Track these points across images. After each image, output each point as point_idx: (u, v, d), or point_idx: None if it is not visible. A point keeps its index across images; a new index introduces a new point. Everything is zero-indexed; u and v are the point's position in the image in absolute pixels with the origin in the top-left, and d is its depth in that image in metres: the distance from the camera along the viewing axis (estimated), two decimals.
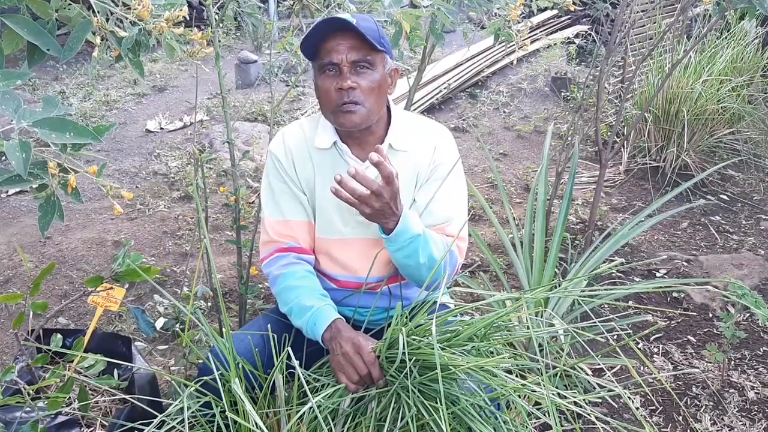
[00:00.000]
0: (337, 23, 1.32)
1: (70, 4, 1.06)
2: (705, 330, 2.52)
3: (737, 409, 2.10)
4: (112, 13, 1.07)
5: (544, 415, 1.17)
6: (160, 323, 2.51)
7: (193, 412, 1.30)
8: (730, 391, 2.18)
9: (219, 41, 1.83)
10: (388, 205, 1.27)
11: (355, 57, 1.34)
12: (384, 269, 1.48)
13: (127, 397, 1.48)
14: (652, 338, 2.46)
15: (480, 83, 5.67)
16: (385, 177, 1.24)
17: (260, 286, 2.69)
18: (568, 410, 1.21)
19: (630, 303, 2.60)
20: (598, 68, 2.70)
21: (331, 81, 1.36)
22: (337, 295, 1.49)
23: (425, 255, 1.34)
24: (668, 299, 2.72)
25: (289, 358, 1.26)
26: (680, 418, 2.07)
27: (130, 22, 1.09)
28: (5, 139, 0.92)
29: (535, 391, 1.19)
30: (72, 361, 1.56)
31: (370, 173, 1.45)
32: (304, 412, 1.17)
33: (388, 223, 1.30)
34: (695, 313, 2.62)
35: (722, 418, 2.06)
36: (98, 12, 1.06)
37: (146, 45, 1.15)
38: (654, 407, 2.10)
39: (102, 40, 1.09)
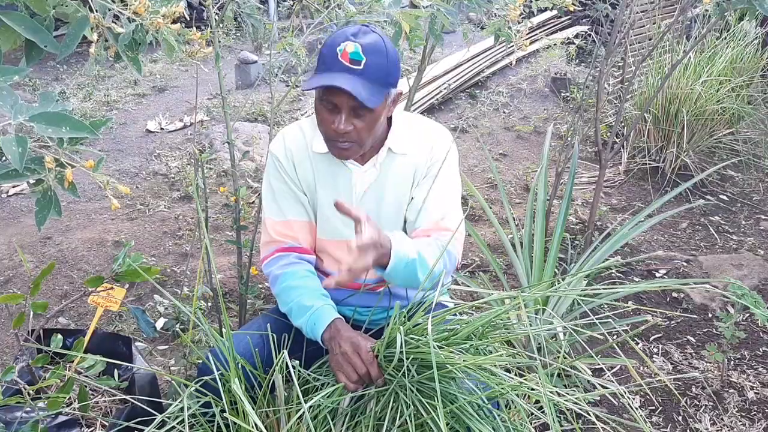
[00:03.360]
0: (338, 89, 1.27)
1: (66, 1, 1.06)
2: (705, 330, 2.52)
3: (737, 409, 2.10)
4: (109, 9, 1.07)
5: (543, 414, 1.17)
6: (160, 323, 2.51)
7: (193, 412, 1.30)
8: (730, 391, 2.18)
9: (219, 42, 1.83)
10: (378, 259, 1.25)
11: (355, 104, 1.30)
12: None
13: (127, 397, 1.48)
14: (651, 338, 2.46)
15: (480, 83, 5.67)
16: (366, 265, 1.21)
17: (260, 286, 2.69)
18: (567, 410, 1.21)
19: (630, 303, 2.60)
20: (598, 68, 2.70)
21: (328, 115, 1.34)
22: (337, 295, 1.49)
23: (423, 272, 1.31)
24: (668, 299, 2.72)
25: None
26: (680, 418, 2.07)
27: (127, 18, 1.09)
28: (2, 134, 0.93)
29: (534, 390, 1.19)
30: (72, 362, 1.56)
31: (368, 177, 1.46)
32: (303, 412, 1.17)
33: (380, 261, 1.28)
34: (695, 313, 2.62)
35: (722, 418, 2.06)
36: (96, 9, 1.06)
37: (143, 41, 1.14)
38: (654, 407, 2.11)
39: (99, 36, 1.09)
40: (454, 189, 1.50)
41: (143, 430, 1.24)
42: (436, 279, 1.29)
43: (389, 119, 1.48)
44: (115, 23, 1.09)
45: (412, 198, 1.47)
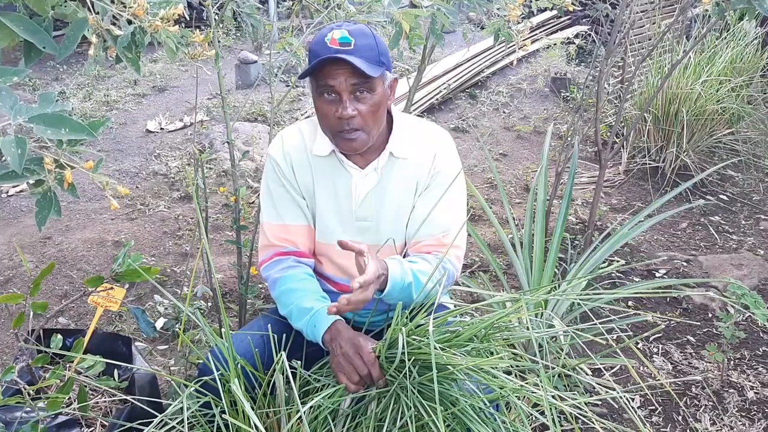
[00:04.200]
0: (335, 59, 1.29)
1: (66, 1, 1.06)
2: (704, 330, 2.52)
3: (737, 409, 2.10)
4: (107, 12, 1.07)
5: (543, 416, 1.17)
6: (160, 323, 2.51)
7: (192, 413, 1.30)
8: (730, 391, 2.18)
9: (219, 42, 1.83)
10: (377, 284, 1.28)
11: (355, 81, 1.32)
12: None
13: (127, 397, 1.48)
14: (651, 338, 2.46)
15: (480, 83, 5.67)
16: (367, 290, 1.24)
17: (260, 286, 2.69)
18: (567, 411, 1.21)
19: (630, 303, 2.60)
20: (598, 68, 2.70)
21: (331, 106, 1.34)
22: (336, 298, 1.49)
23: (418, 292, 1.33)
24: (668, 299, 2.72)
25: (287, 359, 1.26)
26: (680, 418, 2.07)
27: (126, 20, 1.09)
28: (2, 135, 0.93)
29: (534, 393, 1.19)
30: (72, 362, 1.56)
31: (369, 182, 1.45)
32: (303, 412, 1.17)
33: (379, 287, 1.31)
34: (695, 313, 2.62)
35: (722, 418, 2.06)
36: (96, 11, 1.06)
37: (142, 43, 1.14)
38: (653, 407, 2.11)
39: (98, 38, 1.09)
40: (458, 203, 1.48)
41: (143, 430, 1.24)
42: (432, 298, 1.29)
43: (390, 121, 1.48)
44: (114, 25, 1.09)
45: (413, 207, 1.46)
